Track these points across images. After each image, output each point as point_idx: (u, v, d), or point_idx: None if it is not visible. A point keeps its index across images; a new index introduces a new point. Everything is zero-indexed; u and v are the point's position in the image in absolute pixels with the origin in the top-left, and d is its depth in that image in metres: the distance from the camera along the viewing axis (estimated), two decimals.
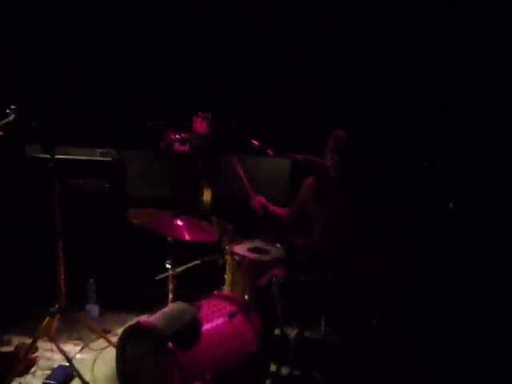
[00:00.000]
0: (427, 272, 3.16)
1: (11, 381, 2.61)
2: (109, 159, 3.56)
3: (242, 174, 3.13)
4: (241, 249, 2.95)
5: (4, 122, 2.59)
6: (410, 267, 2.79)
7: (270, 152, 3.20)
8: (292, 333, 2.68)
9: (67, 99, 4.06)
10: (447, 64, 3.80)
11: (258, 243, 3.05)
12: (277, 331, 2.77)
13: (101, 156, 3.57)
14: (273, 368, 2.63)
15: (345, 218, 2.91)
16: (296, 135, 3.80)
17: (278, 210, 3.26)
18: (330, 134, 3.00)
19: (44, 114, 2.98)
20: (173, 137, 3.95)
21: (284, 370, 2.69)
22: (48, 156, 2.72)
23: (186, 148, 3.94)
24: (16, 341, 3.02)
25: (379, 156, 3.71)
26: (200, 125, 3.98)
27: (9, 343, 3.03)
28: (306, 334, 2.80)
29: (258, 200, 3.18)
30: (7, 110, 2.63)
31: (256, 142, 3.23)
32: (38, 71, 4.11)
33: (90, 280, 3.42)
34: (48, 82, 4.11)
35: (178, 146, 3.94)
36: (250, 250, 2.95)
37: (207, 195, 3.68)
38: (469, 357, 3.08)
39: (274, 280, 2.69)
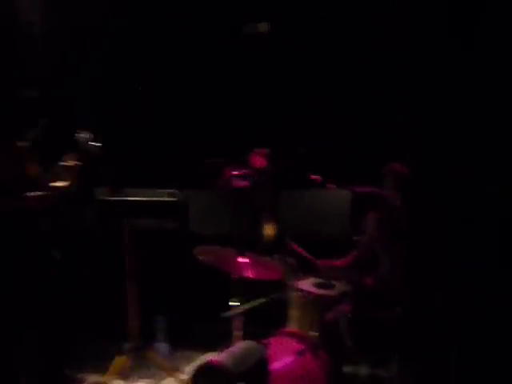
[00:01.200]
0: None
1: None
2: (175, 199, 3.67)
3: (301, 251, 3.08)
4: (306, 284, 2.92)
5: (83, 149, 2.72)
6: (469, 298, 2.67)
7: (332, 186, 3.18)
8: (363, 371, 2.59)
9: (129, 142, 4.25)
10: None
11: (323, 279, 3.01)
12: (347, 369, 2.70)
13: (168, 196, 3.69)
14: None
15: (414, 251, 2.81)
16: (353, 166, 3.79)
17: (347, 260, 3.17)
18: (387, 169, 2.93)
19: (111, 157, 3.14)
20: (231, 173, 4.03)
21: None
22: (118, 198, 2.85)
23: (245, 183, 4.00)
24: (89, 379, 3.11)
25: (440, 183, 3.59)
26: (259, 160, 4.05)
27: (82, 382, 3.11)
28: (378, 373, 2.69)
29: (325, 263, 3.10)
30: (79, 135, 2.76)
31: (316, 177, 3.23)
32: (103, 115, 4.34)
33: (158, 318, 3.49)
34: (112, 128, 4.34)
35: (237, 182, 4.01)
36: (315, 285, 2.91)
37: (269, 230, 3.69)
38: None
39: (341, 316, 2.64)
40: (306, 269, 3.05)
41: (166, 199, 3.48)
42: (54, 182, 2.75)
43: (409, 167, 2.87)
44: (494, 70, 3.62)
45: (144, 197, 3.61)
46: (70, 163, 2.72)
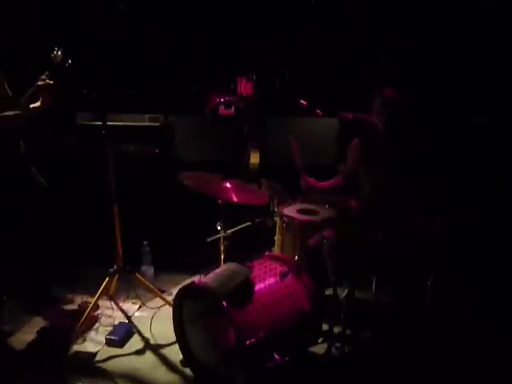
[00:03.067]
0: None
1: (77, 336, 2.79)
2: (157, 124, 3.61)
3: (297, 153, 3.02)
4: (290, 210, 2.95)
5: (47, 72, 2.63)
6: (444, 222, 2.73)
7: (318, 112, 3.13)
8: (343, 293, 2.69)
9: (113, 66, 4.09)
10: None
11: (307, 204, 3.05)
12: (328, 291, 2.81)
13: (149, 121, 3.61)
14: (325, 327, 2.68)
15: (393, 178, 2.81)
16: (342, 93, 3.71)
17: (329, 183, 3.15)
18: (378, 92, 2.86)
19: (93, 81, 3.03)
20: (217, 100, 3.94)
21: (336, 329, 2.73)
22: (100, 123, 2.78)
23: (231, 111, 3.92)
24: (79, 299, 3.19)
25: (428, 113, 3.55)
26: (244, 87, 3.95)
27: (72, 301, 3.21)
28: (358, 295, 2.80)
29: (308, 181, 3.08)
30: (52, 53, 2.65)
31: (304, 102, 3.16)
32: (85, 38, 4.14)
33: (144, 242, 3.54)
34: (94, 49, 4.15)
35: (222, 110, 3.93)
36: (299, 211, 2.95)
37: (254, 158, 3.68)
38: None
39: (324, 241, 2.70)
40: (291, 194, 3.07)
41: (149, 124, 3.43)
42: (30, 103, 2.67)
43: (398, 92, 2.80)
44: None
45: (127, 122, 3.55)
46: (45, 82, 2.62)
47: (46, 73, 2.64)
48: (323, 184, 3.13)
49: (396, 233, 2.68)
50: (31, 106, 2.68)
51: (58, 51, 2.65)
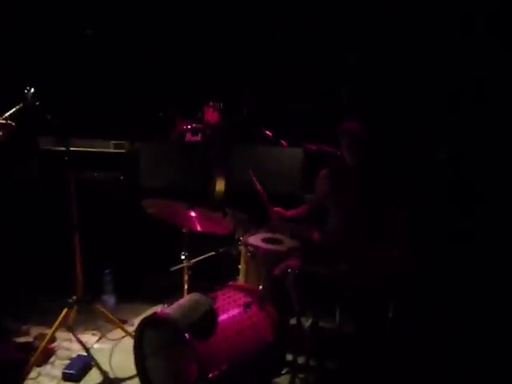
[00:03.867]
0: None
1: (31, 370, 2.66)
2: (122, 151, 3.57)
3: (258, 186, 3.05)
4: (255, 240, 2.96)
5: (15, 109, 2.58)
6: (416, 257, 2.79)
7: (284, 143, 3.18)
8: (307, 323, 2.69)
9: (77, 92, 4.07)
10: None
11: (272, 234, 3.06)
12: (292, 321, 2.80)
13: (115, 148, 3.58)
14: (289, 357, 2.66)
15: (362, 209, 2.88)
16: (307, 125, 3.79)
17: (295, 212, 3.20)
18: (341, 128, 2.93)
19: (56, 106, 3.00)
20: (184, 127, 3.96)
21: (300, 360, 2.72)
22: (63, 149, 2.74)
23: (197, 138, 3.94)
24: (34, 331, 3.07)
25: (392, 147, 3.67)
26: (211, 115, 3.99)
27: (27, 333, 3.08)
28: (321, 324, 2.81)
29: (276, 211, 3.10)
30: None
31: (269, 133, 3.21)
32: (47, 65, 4.10)
33: (106, 271, 3.46)
34: (58, 76, 4.11)
35: (189, 136, 3.95)
36: (264, 240, 2.96)
37: (220, 185, 3.69)
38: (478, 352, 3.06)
39: (289, 270, 2.70)
40: (256, 223, 3.08)
41: (114, 151, 3.39)
42: None
43: (364, 127, 2.89)
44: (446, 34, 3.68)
45: (91, 148, 3.50)
46: (6, 122, 2.56)
47: (10, 112, 2.59)
48: (290, 213, 3.16)
49: (359, 264, 2.73)
50: None
51: (30, 90, 2.61)
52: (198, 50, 4.20)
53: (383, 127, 3.57)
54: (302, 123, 3.75)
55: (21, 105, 2.59)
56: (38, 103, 2.62)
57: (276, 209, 3.10)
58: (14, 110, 2.58)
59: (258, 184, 3.02)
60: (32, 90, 2.60)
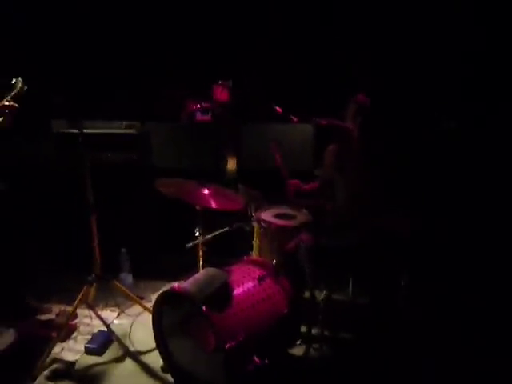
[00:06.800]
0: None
1: (54, 346, 2.76)
2: (134, 131, 3.60)
3: (279, 158, 3.07)
4: (267, 215, 3.00)
5: (13, 93, 2.59)
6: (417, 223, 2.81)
7: (294, 118, 3.17)
8: (320, 295, 2.74)
9: (90, 73, 4.07)
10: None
11: (284, 209, 3.10)
12: (306, 294, 2.86)
13: (126, 128, 3.61)
14: (303, 329, 2.72)
15: (367, 183, 2.88)
16: (317, 100, 3.77)
17: (309, 186, 3.22)
18: (351, 99, 2.93)
19: (66, 88, 3.02)
20: (194, 107, 3.97)
21: (314, 331, 2.78)
22: (76, 131, 2.77)
23: (207, 117, 3.95)
24: (56, 309, 3.16)
25: (399, 117, 3.65)
26: (221, 93, 3.99)
27: (49, 311, 3.17)
28: (335, 296, 2.86)
29: (293, 183, 3.13)
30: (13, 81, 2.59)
31: (279, 109, 3.21)
32: (57, 45, 4.11)
33: (123, 250, 3.53)
34: (67, 57, 4.12)
35: (199, 116, 3.96)
36: (276, 216, 3.00)
37: (231, 164, 3.72)
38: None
39: (301, 244, 2.75)
40: (268, 199, 3.12)
41: (125, 131, 3.41)
42: None
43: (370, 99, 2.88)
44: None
45: (101, 129, 3.54)
46: (10, 104, 2.58)
47: (12, 94, 2.60)
48: (307, 187, 3.19)
49: (370, 234, 2.75)
50: None
51: (17, 79, 2.61)
52: (206, 28, 4.16)
53: (390, 100, 3.53)
54: (313, 97, 3.73)
55: (18, 87, 2.59)
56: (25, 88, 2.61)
57: (293, 181, 3.13)
58: (12, 93, 2.58)
59: (278, 156, 3.04)
60: (19, 79, 2.59)
